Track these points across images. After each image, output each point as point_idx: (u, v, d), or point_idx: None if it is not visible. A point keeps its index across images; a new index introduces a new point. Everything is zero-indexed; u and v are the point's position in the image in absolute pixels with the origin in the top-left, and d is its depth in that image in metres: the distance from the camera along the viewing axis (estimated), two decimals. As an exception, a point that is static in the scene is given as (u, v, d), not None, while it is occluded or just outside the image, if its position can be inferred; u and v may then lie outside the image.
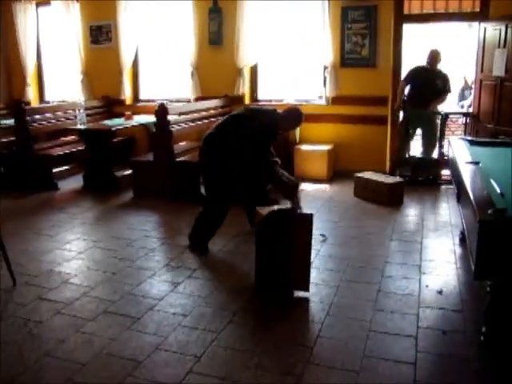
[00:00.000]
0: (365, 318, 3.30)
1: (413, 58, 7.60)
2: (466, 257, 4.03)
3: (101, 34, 8.32)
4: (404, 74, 6.91)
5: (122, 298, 3.59)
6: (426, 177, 6.77)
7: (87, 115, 7.21)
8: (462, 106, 8.98)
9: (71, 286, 3.79)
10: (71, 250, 4.54)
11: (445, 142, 6.63)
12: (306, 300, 3.54)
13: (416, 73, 6.82)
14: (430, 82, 6.72)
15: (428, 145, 6.96)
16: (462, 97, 9.55)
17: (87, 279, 3.93)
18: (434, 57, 6.73)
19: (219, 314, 3.35)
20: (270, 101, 7.44)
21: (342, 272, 4.03)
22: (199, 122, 6.93)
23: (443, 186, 6.54)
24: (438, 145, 6.89)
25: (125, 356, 2.87)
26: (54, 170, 6.93)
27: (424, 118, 6.84)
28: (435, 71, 6.77)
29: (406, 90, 6.90)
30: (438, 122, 6.86)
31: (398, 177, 6.56)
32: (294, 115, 4.61)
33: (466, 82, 9.43)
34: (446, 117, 6.93)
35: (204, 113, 7.13)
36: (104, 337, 3.07)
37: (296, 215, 3.56)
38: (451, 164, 4.48)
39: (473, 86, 7.99)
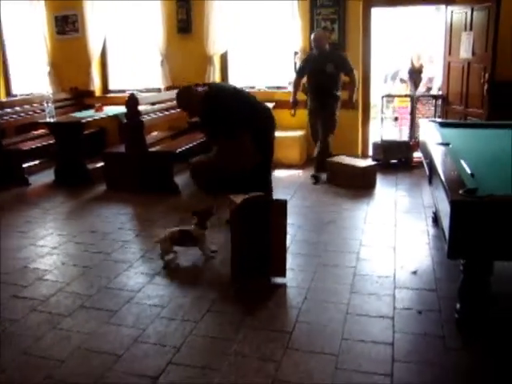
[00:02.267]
0: (342, 301, 3.33)
1: (382, 41, 7.58)
2: (439, 237, 4.10)
3: (67, 25, 8.16)
4: (373, 57, 6.93)
5: (98, 292, 3.56)
6: (399, 159, 6.84)
7: (56, 108, 7.07)
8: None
9: (46, 283, 3.75)
10: (45, 246, 4.48)
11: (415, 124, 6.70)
12: (284, 286, 3.56)
13: (306, 62, 6.37)
14: (319, 69, 6.10)
15: (322, 136, 6.30)
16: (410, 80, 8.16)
17: (62, 275, 3.89)
18: (318, 39, 6.12)
19: (197, 304, 3.35)
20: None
21: (318, 257, 4.06)
22: (170, 112, 6.86)
23: (415, 169, 6.62)
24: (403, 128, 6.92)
25: (103, 350, 2.85)
26: (25, 165, 6.81)
27: (322, 110, 6.22)
28: (325, 55, 6.13)
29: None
30: (337, 112, 6.26)
31: (370, 160, 6.62)
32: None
33: (412, 64, 7.96)
34: (416, 99, 7.00)
35: (174, 102, 7.04)
36: (81, 332, 3.05)
37: (271, 202, 3.56)
38: (422, 146, 4.54)
39: (422, 70, 8.03)
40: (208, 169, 4.62)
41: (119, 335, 3.01)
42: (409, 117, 7.06)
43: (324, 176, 6.26)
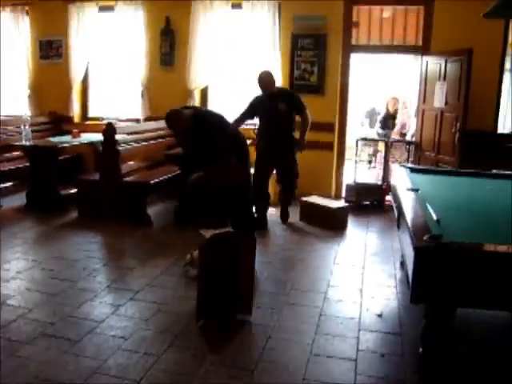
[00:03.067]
0: (306, 341, 3.33)
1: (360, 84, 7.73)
2: (405, 281, 4.14)
3: (51, 49, 8.20)
4: (351, 101, 7.09)
5: (61, 320, 3.50)
6: (371, 202, 6.94)
7: (33, 131, 7.03)
8: (379, 134, 8.00)
9: (8, 308, 3.67)
10: (10, 270, 4.40)
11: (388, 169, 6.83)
12: (249, 323, 3.55)
13: (255, 104, 5.89)
14: (271, 110, 5.71)
15: (288, 184, 6.05)
16: (384, 125, 8.20)
17: (25, 300, 3.82)
18: (266, 80, 5.74)
19: (160, 337, 3.31)
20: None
21: (285, 295, 4.07)
22: (148, 142, 6.89)
23: (387, 212, 6.71)
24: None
25: (61, 381, 2.80)
26: (-3, 187, 6.74)
27: (281, 156, 5.85)
28: (275, 95, 5.76)
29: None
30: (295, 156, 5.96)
31: (343, 201, 6.71)
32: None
33: (387, 109, 8.25)
34: (390, 143, 7.17)
35: (153, 133, 7.10)
36: (40, 361, 2.99)
37: (240, 239, 3.58)
38: (392, 190, 4.62)
39: (397, 116, 8.23)
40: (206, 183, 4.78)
41: (79, 366, 2.95)
42: (382, 160, 7.20)
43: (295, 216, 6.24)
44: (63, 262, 4.64)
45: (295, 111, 5.85)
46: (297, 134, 5.97)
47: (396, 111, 8.12)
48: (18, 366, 2.92)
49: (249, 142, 6.03)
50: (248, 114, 5.95)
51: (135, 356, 3.08)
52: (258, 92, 5.90)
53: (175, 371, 2.94)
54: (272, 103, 5.70)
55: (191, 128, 4.62)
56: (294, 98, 5.85)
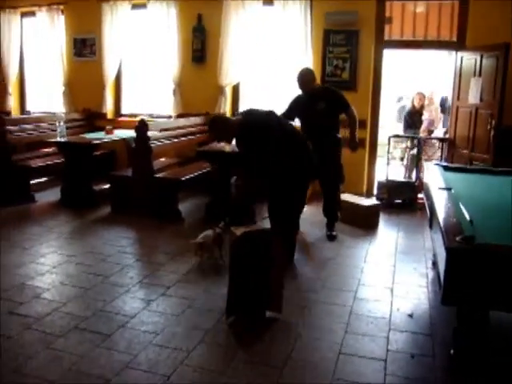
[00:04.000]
0: (336, 340, 3.32)
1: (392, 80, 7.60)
2: (437, 281, 4.09)
3: (85, 47, 8.35)
4: (383, 97, 7.00)
5: (93, 315, 3.57)
6: (403, 200, 6.86)
7: (68, 128, 7.18)
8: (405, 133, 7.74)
9: (43, 301, 3.76)
10: (45, 264, 4.51)
11: (421, 166, 6.74)
12: (279, 321, 3.56)
13: (294, 104, 5.64)
14: (309, 110, 5.42)
15: (329, 190, 5.64)
16: (409, 123, 7.96)
17: (59, 294, 3.91)
18: (304, 79, 5.44)
19: (191, 334, 3.35)
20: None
21: (315, 293, 4.06)
22: (179, 139, 6.96)
23: (419, 210, 6.63)
24: (413, 170, 6.98)
25: (94, 374, 2.86)
26: (32, 182, 6.90)
27: (322, 159, 5.10)
28: (314, 94, 5.46)
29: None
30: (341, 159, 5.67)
31: (374, 199, 6.65)
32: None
33: (413, 105, 7.98)
34: (422, 141, 7.07)
35: (184, 130, 7.16)
36: (74, 354, 3.05)
37: (271, 236, 3.58)
38: (425, 189, 4.57)
39: (424, 112, 8.02)
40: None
41: (110, 360, 3.01)
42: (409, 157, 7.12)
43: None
44: (96, 257, 4.72)
45: (338, 110, 5.51)
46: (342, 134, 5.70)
47: (422, 107, 7.95)
48: (53, 359, 2.99)
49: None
50: (286, 116, 5.52)
51: (165, 351, 3.12)
52: (291, 89, 5.74)
53: (204, 367, 2.97)
54: (311, 103, 5.41)
55: (239, 136, 4.53)
56: (335, 96, 5.51)
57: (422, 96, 7.89)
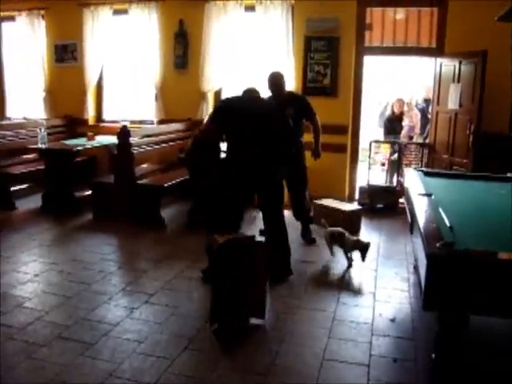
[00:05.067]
0: (319, 345, 3.35)
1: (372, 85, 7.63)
2: (419, 285, 4.14)
3: (66, 53, 8.28)
4: (365, 103, 7.06)
5: (76, 323, 3.55)
6: (384, 205, 6.93)
7: (49, 134, 7.13)
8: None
9: (25, 310, 3.73)
10: (26, 273, 4.47)
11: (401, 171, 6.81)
12: (262, 327, 3.58)
13: None
14: None
15: (296, 200, 5.65)
16: (389, 129, 7.93)
17: (42, 303, 3.88)
18: (275, 81, 5.41)
19: (174, 341, 3.35)
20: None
21: (298, 299, 4.09)
22: (161, 145, 6.95)
23: (400, 215, 6.68)
24: (393, 174, 7.04)
25: (78, 383, 2.84)
26: (13, 189, 6.82)
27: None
28: (283, 99, 5.36)
29: None
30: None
31: (356, 204, 6.70)
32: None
33: (393, 112, 8.00)
34: (403, 146, 7.15)
35: (166, 136, 7.15)
36: (57, 363, 3.04)
37: (253, 243, 3.60)
38: (405, 195, 4.62)
39: (404, 118, 8.10)
40: None
41: (94, 369, 3.00)
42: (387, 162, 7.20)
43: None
44: (78, 265, 4.69)
45: (304, 117, 5.53)
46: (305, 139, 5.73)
47: (402, 113, 8.04)
48: (35, 368, 2.97)
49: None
50: None
51: (149, 359, 3.12)
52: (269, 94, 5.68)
53: (189, 375, 2.98)
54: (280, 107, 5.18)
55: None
56: (303, 103, 5.53)
57: (401, 103, 7.98)
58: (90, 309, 3.78)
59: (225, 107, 4.45)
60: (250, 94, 4.55)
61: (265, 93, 5.57)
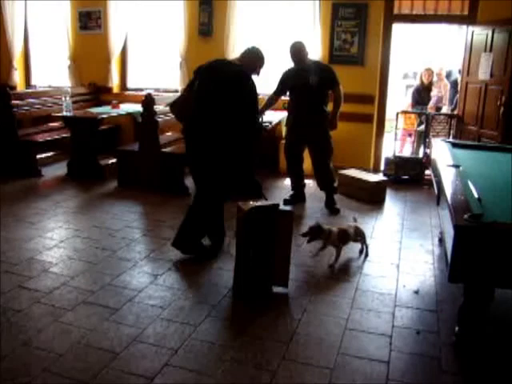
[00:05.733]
0: (341, 315, 3.35)
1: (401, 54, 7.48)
2: (444, 258, 4.09)
3: (90, 20, 8.24)
4: (392, 72, 6.93)
5: (101, 289, 3.60)
6: (410, 176, 6.83)
7: (73, 102, 7.15)
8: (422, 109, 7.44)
9: (51, 275, 3.79)
10: (53, 239, 4.53)
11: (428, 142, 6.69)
12: (285, 296, 3.58)
13: (286, 78, 5.57)
14: (302, 83, 5.35)
15: (321, 165, 5.61)
16: (417, 100, 7.84)
17: (67, 268, 3.94)
18: (297, 51, 5.35)
19: (198, 308, 3.37)
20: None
21: (321, 269, 4.08)
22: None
23: (426, 186, 6.61)
24: (421, 146, 6.94)
25: (102, 347, 2.89)
26: (38, 157, 6.90)
27: (311, 132, 5.48)
28: (307, 68, 5.36)
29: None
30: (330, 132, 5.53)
31: (381, 175, 6.63)
32: (252, 54, 4.35)
33: (421, 81, 7.87)
34: (431, 117, 7.01)
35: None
36: (82, 327, 3.09)
37: (278, 211, 3.58)
38: (432, 166, 4.54)
39: (433, 88, 7.93)
40: None
41: (118, 333, 3.04)
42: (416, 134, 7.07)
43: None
44: (103, 231, 4.74)
45: (328, 86, 5.43)
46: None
47: (431, 83, 7.86)
48: (62, 332, 3.03)
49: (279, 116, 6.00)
50: (279, 91, 5.62)
51: (173, 325, 3.15)
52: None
53: (211, 341, 3.00)
54: (303, 76, 5.33)
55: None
56: (327, 72, 5.43)
57: (430, 72, 7.78)
58: (114, 275, 3.83)
59: (195, 71, 4.21)
60: (222, 61, 4.37)
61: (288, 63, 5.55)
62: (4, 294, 3.47)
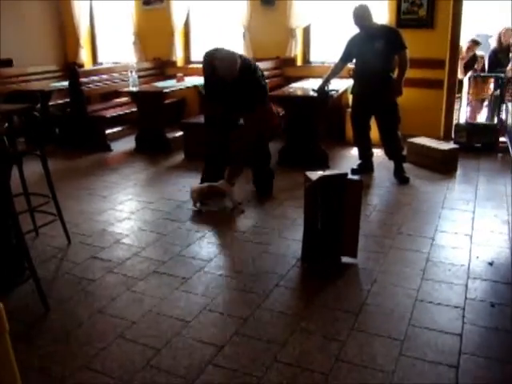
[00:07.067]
0: (412, 286, 3.27)
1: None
2: (521, 228, 3.91)
3: (153, -5, 8.30)
4: (463, 36, 6.58)
5: (171, 259, 3.68)
6: (483, 144, 6.54)
7: (139, 77, 7.26)
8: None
9: (123, 246, 3.91)
10: (123, 211, 4.66)
11: (503, 108, 6.35)
12: (354, 266, 3.54)
13: (351, 45, 5.38)
14: (367, 49, 5.15)
15: (388, 139, 5.49)
16: (494, 62, 7.33)
17: (138, 239, 4.04)
18: (364, 15, 5.15)
19: (267, 277, 3.39)
20: (323, 63, 7.33)
21: (391, 239, 3.99)
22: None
23: (500, 154, 6.31)
24: (495, 111, 6.60)
25: (173, 315, 2.95)
26: (107, 132, 7.09)
27: (376, 100, 5.32)
28: (372, 32, 5.17)
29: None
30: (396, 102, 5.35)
31: (452, 143, 6.37)
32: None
33: (499, 42, 7.29)
34: (506, 81, 6.64)
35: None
36: (154, 296, 3.17)
37: (347, 180, 3.51)
38: (509, 131, 4.31)
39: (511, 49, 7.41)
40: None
41: (189, 302, 3.10)
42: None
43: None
44: (172, 203, 4.83)
45: (394, 50, 5.18)
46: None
47: (510, 45, 7.36)
48: (135, 301, 3.12)
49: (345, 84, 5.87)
50: (344, 58, 5.46)
51: (242, 295, 3.18)
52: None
53: (280, 311, 3.00)
54: (368, 41, 5.14)
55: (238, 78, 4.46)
56: (394, 36, 5.17)
57: (510, 32, 7.28)
58: (184, 245, 3.89)
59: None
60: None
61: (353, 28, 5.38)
62: (79, 264, 3.61)
